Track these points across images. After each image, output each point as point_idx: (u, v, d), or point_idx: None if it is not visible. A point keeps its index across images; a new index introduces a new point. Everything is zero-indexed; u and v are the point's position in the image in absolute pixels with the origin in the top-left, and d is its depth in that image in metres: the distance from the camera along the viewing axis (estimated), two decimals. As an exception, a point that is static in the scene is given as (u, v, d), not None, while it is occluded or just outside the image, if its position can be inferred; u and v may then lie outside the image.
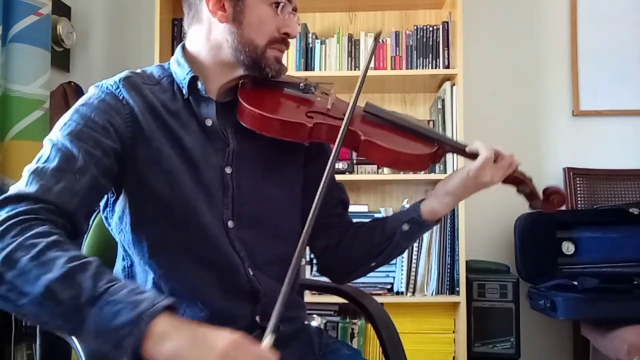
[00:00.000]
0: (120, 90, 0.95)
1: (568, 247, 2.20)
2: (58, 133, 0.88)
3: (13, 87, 2.10)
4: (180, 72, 1.00)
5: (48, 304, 0.70)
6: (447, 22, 2.39)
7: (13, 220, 0.74)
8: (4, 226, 0.74)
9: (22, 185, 0.81)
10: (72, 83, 2.45)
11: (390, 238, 1.08)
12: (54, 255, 0.72)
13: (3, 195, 0.79)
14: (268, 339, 0.71)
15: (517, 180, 1.06)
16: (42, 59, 2.20)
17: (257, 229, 1.00)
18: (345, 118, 0.95)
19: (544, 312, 2.09)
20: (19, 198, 0.78)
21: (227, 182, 0.98)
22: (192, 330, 0.69)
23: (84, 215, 0.84)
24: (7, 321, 2.10)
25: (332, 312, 2.30)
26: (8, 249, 0.72)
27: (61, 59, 2.55)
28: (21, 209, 0.76)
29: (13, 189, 0.80)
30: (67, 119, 0.90)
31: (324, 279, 1.21)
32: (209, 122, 0.99)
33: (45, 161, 0.84)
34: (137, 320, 0.68)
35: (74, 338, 0.94)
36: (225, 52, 0.99)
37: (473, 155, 1.03)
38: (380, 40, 2.43)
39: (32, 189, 0.79)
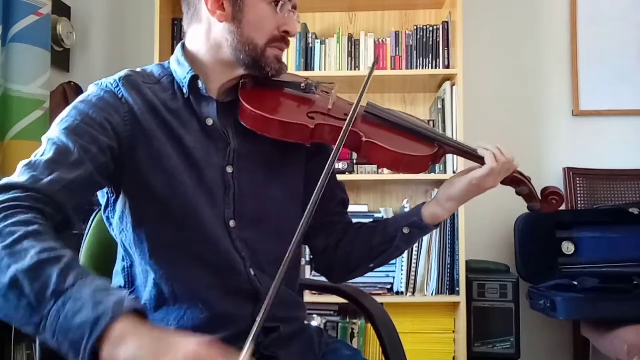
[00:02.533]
0: (120, 89, 0.95)
1: (568, 247, 2.20)
2: (55, 128, 0.88)
3: (13, 87, 2.10)
4: (181, 71, 1.00)
5: (12, 296, 0.66)
6: (447, 22, 2.39)
7: None
8: None
9: (14, 176, 0.80)
10: (72, 83, 2.45)
11: (391, 240, 1.07)
12: (28, 245, 0.69)
13: None
14: (247, 348, 0.66)
15: (517, 181, 1.06)
16: (42, 59, 2.20)
17: (259, 228, 1.00)
18: (347, 121, 0.95)
19: (544, 312, 2.09)
20: (8, 187, 0.77)
21: (229, 181, 0.98)
22: (155, 335, 0.63)
23: (73, 207, 0.82)
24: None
25: (332, 312, 2.30)
26: None
27: (61, 59, 2.55)
28: (8, 196, 0.75)
29: (4, 180, 0.79)
30: (65, 115, 0.90)
31: (324, 278, 1.21)
32: (209, 122, 0.99)
33: (41, 155, 0.83)
34: (96, 320, 0.63)
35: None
36: (225, 51, 0.99)
37: (476, 157, 1.03)
38: (379, 40, 2.43)
39: (22, 179, 0.78)
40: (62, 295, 0.65)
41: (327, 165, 0.88)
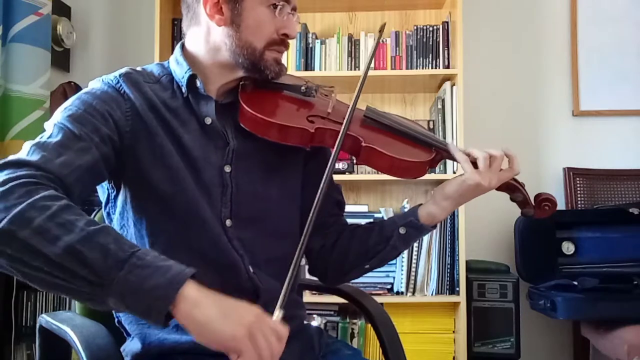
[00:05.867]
0: (121, 85, 0.95)
1: (568, 247, 2.20)
2: (59, 115, 0.88)
3: (13, 87, 2.10)
4: (179, 70, 1.00)
5: (70, 265, 0.69)
6: (447, 22, 2.39)
7: (16, 182, 0.72)
8: (6, 186, 0.71)
9: (22, 154, 0.80)
10: (72, 83, 2.45)
11: (387, 240, 1.07)
12: (70, 217, 0.72)
13: (3, 160, 0.76)
14: (278, 314, 0.75)
15: (511, 187, 1.07)
16: (42, 59, 2.20)
17: (256, 228, 1.00)
18: (344, 123, 0.95)
19: (544, 312, 2.09)
20: (19, 164, 0.76)
21: (226, 181, 0.98)
22: (220, 300, 0.73)
23: (78, 193, 0.83)
24: (7, 321, 2.10)
25: (332, 312, 2.30)
26: (18, 209, 0.69)
27: (61, 59, 2.55)
28: (22, 172, 0.74)
29: (12, 157, 0.78)
30: (68, 104, 0.90)
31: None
32: (208, 121, 0.99)
33: (48, 137, 0.84)
34: (169, 285, 0.70)
35: (73, 339, 0.94)
36: (224, 54, 0.99)
37: (474, 162, 1.03)
38: (382, 40, 2.43)
39: (33, 157, 0.78)
40: (126, 262, 0.70)
41: (326, 170, 0.88)
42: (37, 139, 0.83)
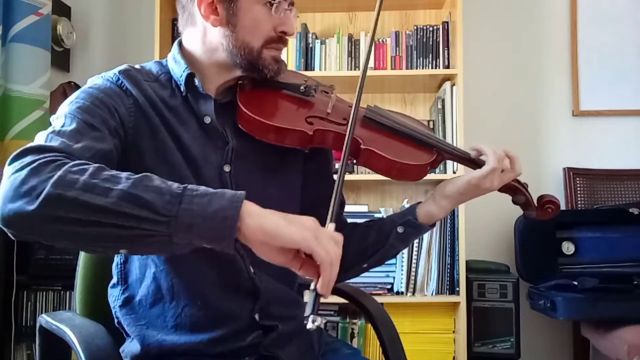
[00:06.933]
0: (122, 82, 0.95)
1: (568, 247, 2.20)
2: (67, 107, 0.87)
3: (13, 87, 2.11)
4: (177, 69, 1.00)
5: (130, 210, 0.69)
6: (447, 22, 2.39)
7: (42, 160, 0.72)
8: (34, 165, 0.71)
9: (41, 141, 0.79)
10: (72, 83, 2.45)
11: (385, 239, 1.07)
12: (111, 172, 0.72)
13: (22, 148, 0.75)
14: (331, 225, 0.78)
15: (514, 189, 1.05)
16: (42, 59, 2.20)
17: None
18: (348, 131, 0.91)
19: (544, 312, 2.09)
20: (40, 149, 0.75)
21: (226, 180, 0.98)
22: (278, 212, 0.74)
23: None
24: (7, 321, 2.10)
25: (332, 312, 2.30)
26: (57, 175, 0.69)
27: (61, 59, 2.55)
28: (47, 154, 0.73)
29: (31, 144, 0.77)
30: (74, 97, 0.90)
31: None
32: (207, 120, 0.98)
33: (62, 125, 0.83)
34: (231, 204, 0.71)
35: (66, 335, 0.94)
36: (221, 54, 0.98)
37: (474, 164, 1.02)
38: (379, 40, 2.43)
39: (54, 143, 0.78)
40: (182, 195, 0.71)
41: (339, 169, 0.86)
42: (51, 129, 0.83)
